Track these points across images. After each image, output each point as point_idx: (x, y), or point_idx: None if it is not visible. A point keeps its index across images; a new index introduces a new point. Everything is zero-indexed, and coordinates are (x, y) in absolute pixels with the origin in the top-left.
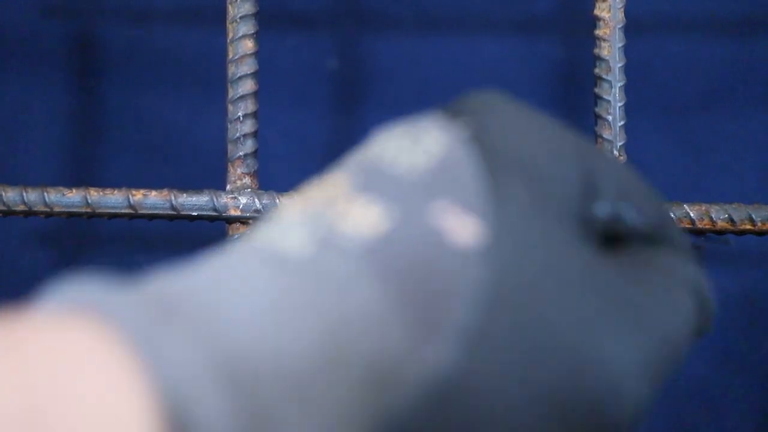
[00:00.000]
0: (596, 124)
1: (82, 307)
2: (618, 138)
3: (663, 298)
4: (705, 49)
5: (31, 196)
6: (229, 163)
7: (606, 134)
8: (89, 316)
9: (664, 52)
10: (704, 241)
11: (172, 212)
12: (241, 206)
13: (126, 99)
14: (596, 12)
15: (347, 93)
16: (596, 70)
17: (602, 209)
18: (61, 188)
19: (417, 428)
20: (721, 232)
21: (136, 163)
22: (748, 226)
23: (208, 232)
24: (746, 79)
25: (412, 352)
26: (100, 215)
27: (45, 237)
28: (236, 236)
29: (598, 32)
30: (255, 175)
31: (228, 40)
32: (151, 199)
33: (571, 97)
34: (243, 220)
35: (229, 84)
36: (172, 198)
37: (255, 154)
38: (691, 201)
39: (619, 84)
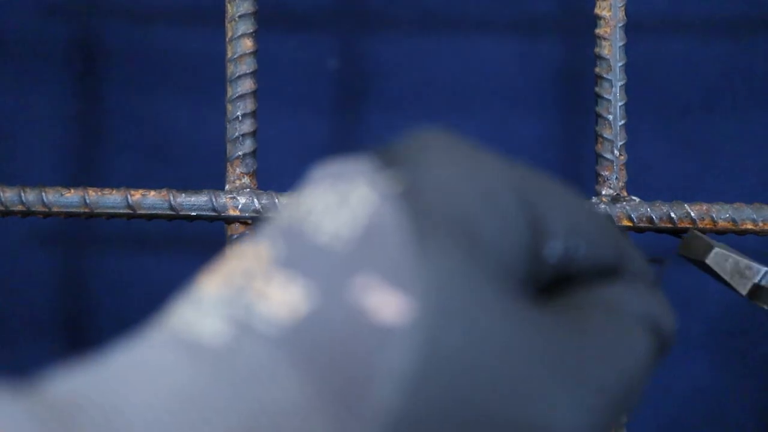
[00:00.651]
0: (597, 123)
1: None
2: (618, 137)
3: (611, 342)
4: (705, 48)
5: (30, 196)
6: (228, 163)
7: (606, 134)
8: None
9: (665, 52)
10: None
11: (171, 212)
12: (240, 206)
13: (124, 98)
14: (597, 11)
15: (347, 92)
16: (597, 69)
17: (553, 251)
18: (59, 188)
19: None
20: (722, 233)
21: (135, 163)
22: (750, 226)
23: (207, 232)
24: (747, 78)
25: None
26: (99, 215)
27: (43, 237)
28: (235, 237)
29: (599, 31)
30: (254, 174)
31: (227, 39)
32: (150, 199)
33: (571, 97)
34: (242, 220)
35: (228, 83)
36: (171, 198)
37: (254, 153)
38: (690, 201)
39: (620, 83)
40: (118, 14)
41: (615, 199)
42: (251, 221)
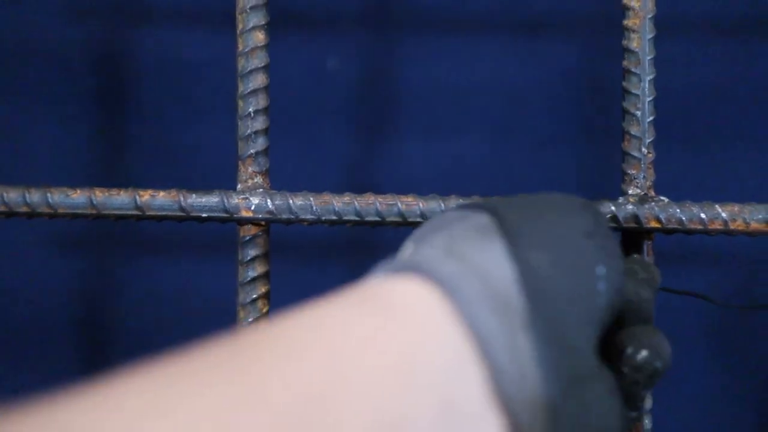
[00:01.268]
0: (623, 119)
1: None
2: (647, 134)
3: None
4: (706, 48)
5: (34, 196)
6: (240, 162)
7: (634, 130)
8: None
9: (665, 52)
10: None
11: (181, 213)
12: (253, 207)
13: (133, 98)
14: (625, 1)
15: (358, 93)
16: (624, 63)
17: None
18: (65, 188)
19: None
20: (754, 234)
21: (144, 163)
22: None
23: (219, 234)
24: (747, 78)
25: None
26: (106, 216)
27: (50, 240)
28: (247, 238)
29: (627, 22)
30: (267, 174)
31: (237, 32)
32: (159, 200)
33: (586, 96)
34: (255, 222)
35: (239, 78)
36: (181, 198)
37: (266, 151)
38: (698, 200)
39: (649, 77)
40: (127, 15)
41: (642, 199)
42: (264, 223)
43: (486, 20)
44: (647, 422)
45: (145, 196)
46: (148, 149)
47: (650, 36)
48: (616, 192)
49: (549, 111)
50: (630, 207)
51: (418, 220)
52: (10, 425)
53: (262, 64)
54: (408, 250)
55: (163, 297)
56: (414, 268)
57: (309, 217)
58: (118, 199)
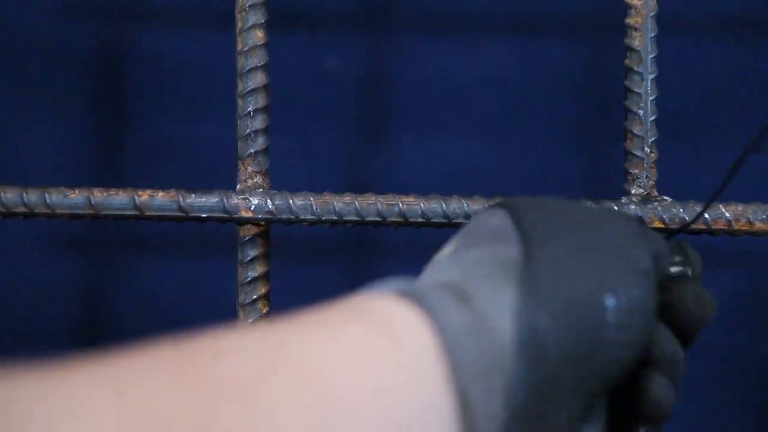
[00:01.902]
0: (626, 118)
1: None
2: (650, 133)
3: None
4: (706, 48)
5: (32, 196)
6: (240, 161)
7: (637, 130)
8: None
9: (665, 52)
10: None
11: (181, 214)
12: (252, 207)
13: (132, 98)
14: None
15: (358, 93)
16: (627, 61)
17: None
18: (63, 188)
19: None
20: (759, 234)
21: (142, 163)
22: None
23: (219, 234)
24: (748, 78)
25: None
26: (105, 217)
27: (48, 240)
28: (247, 238)
29: (629, 21)
30: (266, 173)
31: (236, 30)
32: (158, 200)
33: (586, 96)
34: (255, 222)
35: (238, 77)
36: (180, 199)
37: (266, 151)
38: (701, 200)
39: (651, 76)
40: (126, 15)
41: (645, 199)
42: (264, 223)
43: (487, 19)
44: None
45: (144, 196)
46: (146, 149)
47: (652, 34)
48: (618, 192)
49: (550, 110)
50: (633, 207)
51: (419, 220)
52: None
53: (262, 63)
54: (442, 256)
55: (163, 297)
56: (419, 299)
57: (309, 217)
58: (117, 199)
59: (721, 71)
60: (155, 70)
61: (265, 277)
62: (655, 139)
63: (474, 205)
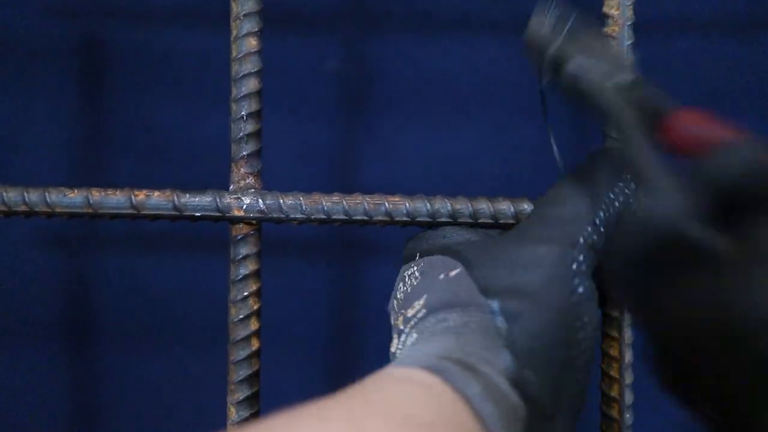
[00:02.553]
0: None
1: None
2: None
3: None
4: (707, 48)
5: (33, 196)
6: (233, 163)
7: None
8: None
9: (665, 52)
10: None
11: (175, 213)
12: (244, 207)
13: (128, 98)
14: (605, 9)
15: (350, 93)
16: None
17: None
18: (62, 188)
19: None
20: None
21: (139, 163)
22: None
23: (212, 233)
24: (748, 78)
25: None
26: (102, 216)
27: (46, 238)
28: (239, 237)
29: (607, 30)
30: (258, 175)
31: (231, 38)
32: (154, 200)
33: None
34: (247, 221)
35: (232, 82)
36: (175, 198)
37: (258, 153)
38: None
39: None
40: (121, 15)
41: None
42: (256, 222)
43: (479, 17)
44: (628, 417)
45: (140, 196)
46: (143, 150)
47: (629, 42)
48: None
49: (532, 112)
50: None
51: (405, 219)
52: None
53: (255, 69)
54: (418, 312)
55: (157, 294)
56: (440, 373)
57: (299, 216)
58: (114, 199)
59: (725, 70)
60: (153, 73)
61: (256, 274)
62: None
63: (457, 204)
